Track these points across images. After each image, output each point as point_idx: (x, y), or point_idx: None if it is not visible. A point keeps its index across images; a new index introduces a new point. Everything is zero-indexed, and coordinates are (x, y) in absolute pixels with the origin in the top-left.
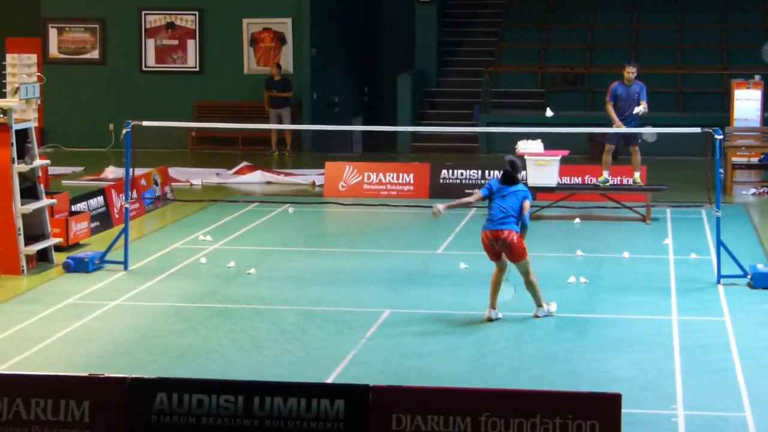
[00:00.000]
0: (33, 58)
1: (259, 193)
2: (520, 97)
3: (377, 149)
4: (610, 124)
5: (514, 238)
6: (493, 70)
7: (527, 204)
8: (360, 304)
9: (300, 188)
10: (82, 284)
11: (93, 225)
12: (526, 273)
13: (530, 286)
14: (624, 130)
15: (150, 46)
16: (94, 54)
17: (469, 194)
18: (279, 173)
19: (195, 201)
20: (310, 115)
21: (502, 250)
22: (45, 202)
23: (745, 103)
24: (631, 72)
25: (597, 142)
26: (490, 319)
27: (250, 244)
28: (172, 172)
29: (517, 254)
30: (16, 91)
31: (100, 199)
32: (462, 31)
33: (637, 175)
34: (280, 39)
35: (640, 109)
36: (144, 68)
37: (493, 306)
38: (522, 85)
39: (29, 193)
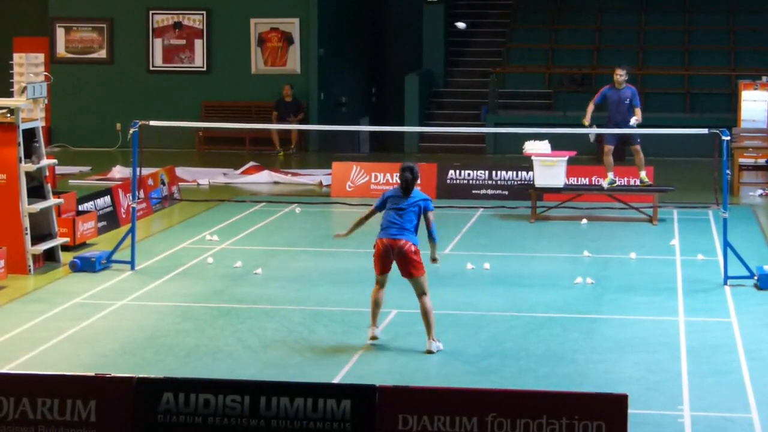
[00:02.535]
0: (40, 57)
1: (266, 193)
2: (528, 98)
3: (384, 149)
4: (611, 125)
5: (412, 248)
6: (500, 71)
7: (431, 216)
8: (367, 304)
9: (307, 188)
10: (88, 284)
11: (100, 225)
12: (422, 293)
13: (425, 313)
14: (607, 130)
15: (157, 45)
16: (102, 53)
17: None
18: (286, 173)
19: (202, 201)
20: (317, 115)
21: (397, 259)
22: (52, 201)
23: (752, 104)
24: (620, 74)
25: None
26: (374, 338)
27: (257, 244)
28: (179, 171)
29: (414, 266)
30: (24, 90)
31: (107, 198)
32: (469, 31)
33: (643, 174)
34: (287, 39)
35: (635, 120)
36: (151, 68)
37: (374, 324)
38: (529, 86)
39: (36, 192)
